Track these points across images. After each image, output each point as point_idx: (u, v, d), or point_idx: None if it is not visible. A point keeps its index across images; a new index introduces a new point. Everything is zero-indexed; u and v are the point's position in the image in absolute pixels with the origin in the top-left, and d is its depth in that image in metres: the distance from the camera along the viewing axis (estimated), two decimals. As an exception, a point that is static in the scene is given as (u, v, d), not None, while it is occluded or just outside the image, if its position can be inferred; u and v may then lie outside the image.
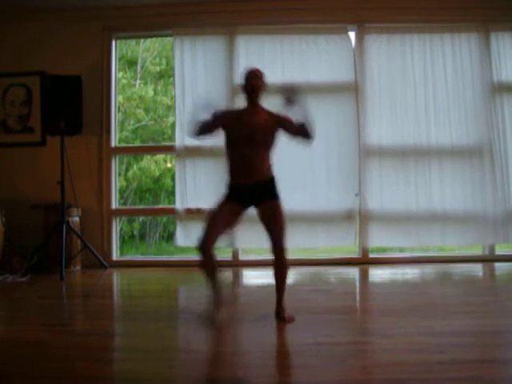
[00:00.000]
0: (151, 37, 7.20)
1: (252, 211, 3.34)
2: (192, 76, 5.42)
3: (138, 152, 7.29)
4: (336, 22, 5.44)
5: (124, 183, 8.04)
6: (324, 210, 5.32)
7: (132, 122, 8.37)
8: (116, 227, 5.69)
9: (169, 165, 8.15)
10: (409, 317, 3.28)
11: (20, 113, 5.63)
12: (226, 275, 5.04)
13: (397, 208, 5.33)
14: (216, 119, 3.33)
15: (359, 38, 5.43)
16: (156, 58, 8.66)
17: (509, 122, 5.33)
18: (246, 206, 3.32)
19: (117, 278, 5.09)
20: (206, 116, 3.32)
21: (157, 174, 8.18)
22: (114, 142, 5.69)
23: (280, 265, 3.28)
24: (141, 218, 8.09)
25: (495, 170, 5.29)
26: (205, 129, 3.37)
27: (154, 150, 7.16)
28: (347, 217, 5.33)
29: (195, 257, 3.34)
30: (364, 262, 5.37)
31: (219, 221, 3.24)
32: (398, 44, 5.40)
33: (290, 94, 3.23)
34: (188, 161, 5.41)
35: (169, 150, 6.05)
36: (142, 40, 8.25)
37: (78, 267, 5.31)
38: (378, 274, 4.95)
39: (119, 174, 6.38)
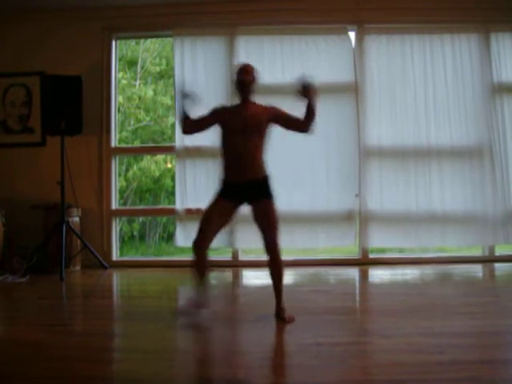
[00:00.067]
0: (151, 37, 7.22)
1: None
2: (192, 76, 5.41)
3: (137, 152, 7.30)
4: (335, 23, 5.45)
5: (124, 183, 8.05)
6: (324, 211, 5.31)
7: (132, 122, 8.37)
8: (116, 227, 5.69)
9: (169, 165, 8.15)
10: (408, 317, 3.28)
11: (20, 113, 5.62)
12: (226, 275, 5.05)
13: (397, 208, 5.33)
14: (213, 114, 3.38)
15: (359, 39, 5.44)
16: (156, 58, 8.66)
17: (509, 122, 5.33)
18: (239, 203, 3.34)
19: (116, 279, 5.08)
20: (189, 106, 3.36)
21: (157, 174, 8.18)
22: (114, 143, 5.69)
23: (274, 264, 3.30)
24: (141, 219, 8.10)
25: (495, 171, 5.29)
26: (198, 124, 3.41)
27: (153, 150, 7.16)
28: (347, 217, 5.32)
29: (195, 257, 3.34)
30: (364, 262, 5.37)
31: (213, 220, 3.28)
32: (398, 44, 5.40)
33: (306, 88, 3.27)
34: (188, 161, 5.41)
35: (169, 150, 6.06)
36: (142, 40, 8.26)
37: (78, 267, 5.31)
38: (377, 275, 4.95)
39: (119, 175, 6.38)
